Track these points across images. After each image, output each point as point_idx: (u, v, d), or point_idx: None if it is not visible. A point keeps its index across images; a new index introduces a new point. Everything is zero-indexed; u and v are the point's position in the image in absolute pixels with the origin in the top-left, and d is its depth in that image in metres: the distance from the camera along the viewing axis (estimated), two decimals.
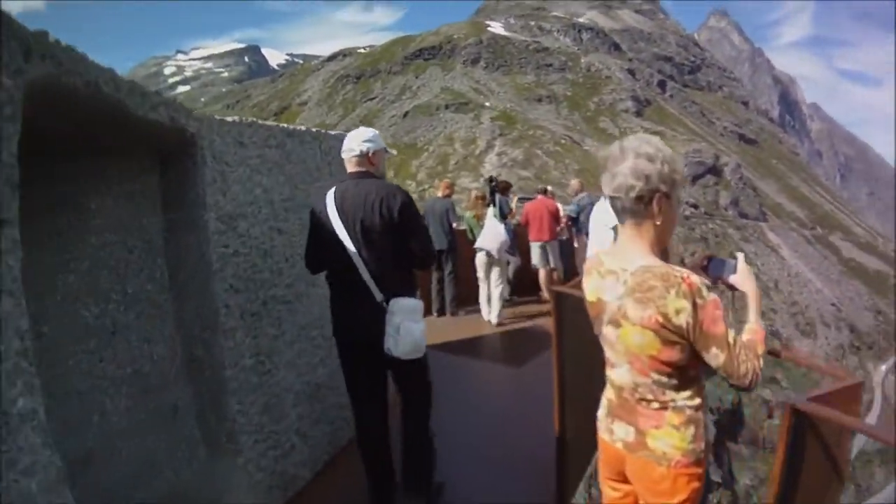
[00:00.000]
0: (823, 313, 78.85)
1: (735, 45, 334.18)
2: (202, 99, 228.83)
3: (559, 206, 12.57)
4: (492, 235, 10.24)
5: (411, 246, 4.27)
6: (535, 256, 12.06)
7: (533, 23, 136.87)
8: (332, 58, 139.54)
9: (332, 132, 5.20)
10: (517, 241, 11.53)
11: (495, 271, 10.56)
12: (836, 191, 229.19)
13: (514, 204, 12.22)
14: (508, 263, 11.45)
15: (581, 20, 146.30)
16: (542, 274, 12.13)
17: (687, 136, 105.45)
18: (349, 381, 4.42)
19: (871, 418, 64.24)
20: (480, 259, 10.65)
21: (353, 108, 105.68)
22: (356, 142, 4.29)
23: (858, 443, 31.94)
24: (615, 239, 9.36)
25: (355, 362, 4.35)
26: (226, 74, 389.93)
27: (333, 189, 4.26)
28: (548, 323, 10.95)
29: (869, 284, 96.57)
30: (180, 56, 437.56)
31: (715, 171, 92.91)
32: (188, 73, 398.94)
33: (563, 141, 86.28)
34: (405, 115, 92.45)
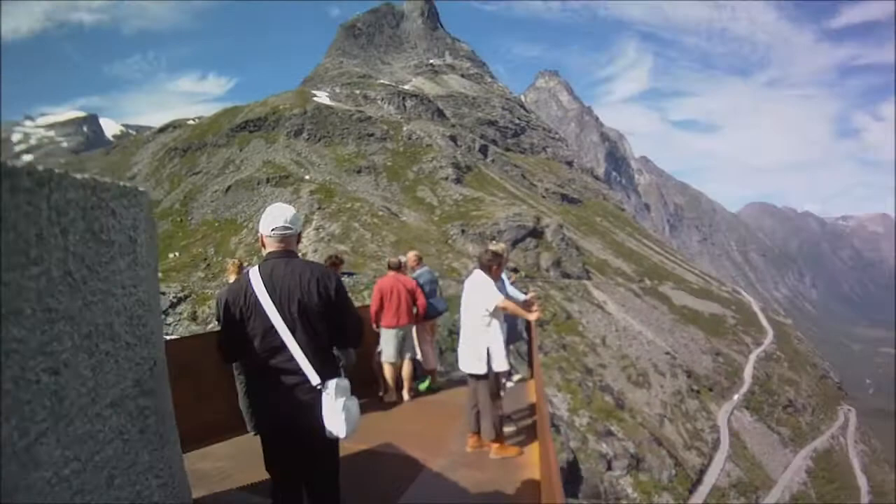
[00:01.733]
0: (657, 362, 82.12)
1: (563, 104, 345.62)
2: None
3: (417, 282, 11.30)
4: None
5: (346, 326, 4.42)
6: (390, 346, 10.68)
7: (358, 91, 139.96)
8: (162, 129, 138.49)
9: (80, 176, 2.35)
10: None
11: None
12: (666, 241, 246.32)
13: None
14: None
15: (406, 87, 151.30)
16: (387, 369, 10.73)
17: (507, 201, 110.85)
18: (275, 471, 4.41)
19: (720, 455, 72.40)
20: None
21: (178, 182, 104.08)
22: (286, 219, 4.41)
23: (710, 479, 64.79)
24: (501, 324, 7.96)
25: (284, 451, 4.34)
26: (65, 144, 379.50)
27: (256, 269, 4.31)
28: (405, 438, 8.42)
29: (705, 329, 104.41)
30: (28, 122, 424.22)
31: (536, 233, 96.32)
32: (32, 142, 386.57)
33: (380, 213, 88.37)
34: (227, 189, 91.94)
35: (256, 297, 4.15)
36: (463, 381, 10.67)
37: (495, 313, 7.74)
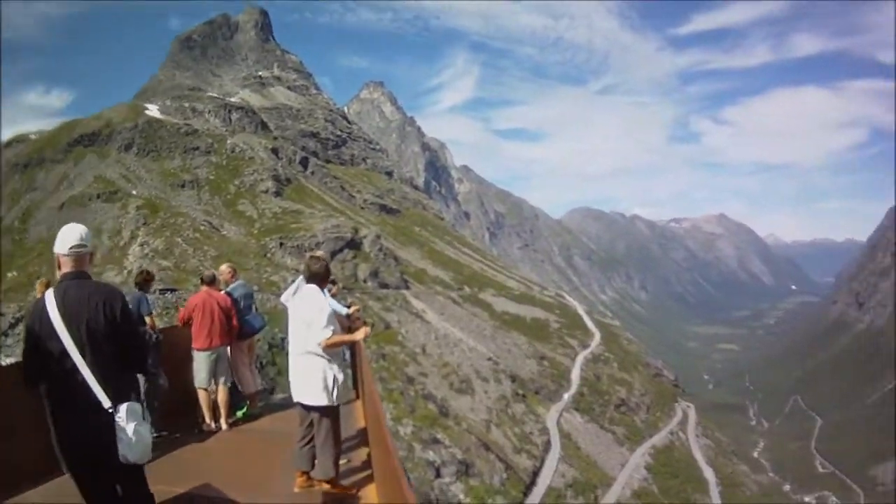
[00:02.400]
0: (479, 369, 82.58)
1: (386, 115, 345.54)
2: None
3: (231, 297, 10.72)
4: None
5: (127, 349, 4.49)
6: (203, 370, 10.06)
7: (187, 104, 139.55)
8: (8, 144, 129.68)
9: None
10: (160, 353, 9.60)
11: None
12: (486, 249, 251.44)
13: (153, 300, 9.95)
14: (144, 389, 8.71)
15: (234, 100, 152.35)
16: (202, 395, 10.13)
17: (326, 213, 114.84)
18: (84, 496, 4.40)
19: (553, 457, 73.52)
20: None
21: (18, 199, 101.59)
22: (81, 237, 4.60)
23: (545, 481, 68.90)
24: (343, 348, 8.05)
25: (86, 475, 4.37)
26: None
27: (52, 290, 4.38)
28: (225, 477, 7.86)
29: (528, 333, 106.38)
30: None
31: (354, 244, 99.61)
32: None
33: (202, 227, 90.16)
34: (61, 206, 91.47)
35: (50, 320, 4.26)
36: (284, 404, 11.36)
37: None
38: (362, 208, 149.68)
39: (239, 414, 10.90)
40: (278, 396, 15.02)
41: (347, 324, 9.79)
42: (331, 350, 6.90)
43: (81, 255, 4.66)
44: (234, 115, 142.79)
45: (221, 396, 10.23)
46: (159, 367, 9.55)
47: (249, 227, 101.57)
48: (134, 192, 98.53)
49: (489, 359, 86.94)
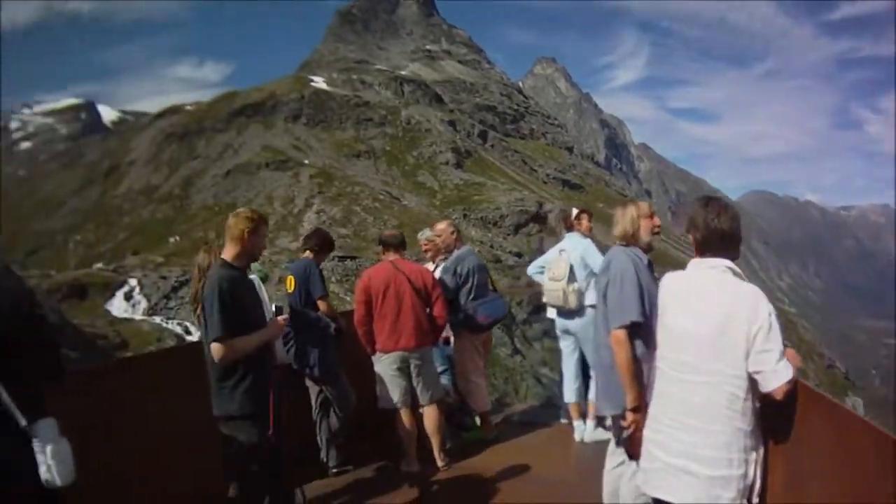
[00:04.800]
0: None
1: (561, 91, 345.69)
2: (41, 157, 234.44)
3: (435, 272, 7.15)
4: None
5: (28, 353, 3.49)
6: (392, 383, 6.33)
7: (355, 76, 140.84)
8: (160, 115, 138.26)
9: None
10: (335, 346, 6.21)
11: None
12: (669, 227, 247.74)
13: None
14: (322, 389, 6.32)
15: (403, 73, 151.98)
16: (401, 419, 6.44)
17: (508, 186, 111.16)
18: None
19: None
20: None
21: (177, 167, 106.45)
22: None
23: None
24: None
25: None
26: (64, 131, 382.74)
27: None
28: None
29: None
30: (25, 110, 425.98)
31: (538, 218, 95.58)
32: (31, 129, 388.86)
33: (381, 197, 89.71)
34: (227, 174, 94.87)
35: None
36: (525, 422, 8.13)
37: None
38: (545, 182, 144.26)
39: (465, 438, 7.23)
40: (518, 408, 8.45)
41: None
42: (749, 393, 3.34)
43: None
44: (407, 88, 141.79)
45: (431, 420, 6.48)
46: (341, 369, 6.26)
47: (431, 198, 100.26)
48: (306, 162, 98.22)
49: None
